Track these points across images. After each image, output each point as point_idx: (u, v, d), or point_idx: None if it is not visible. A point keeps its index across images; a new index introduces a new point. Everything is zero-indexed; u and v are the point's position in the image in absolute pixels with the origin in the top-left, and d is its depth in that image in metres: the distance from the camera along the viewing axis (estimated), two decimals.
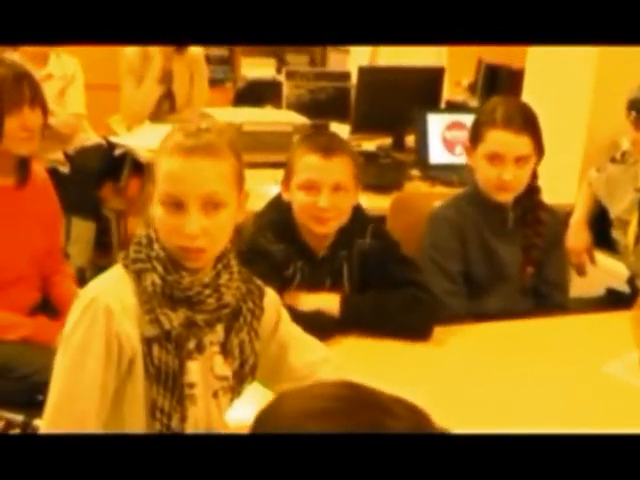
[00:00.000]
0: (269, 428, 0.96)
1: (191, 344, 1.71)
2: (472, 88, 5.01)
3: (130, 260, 1.70)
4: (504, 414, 2.02)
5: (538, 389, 2.14)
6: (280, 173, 2.40)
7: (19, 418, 2.29)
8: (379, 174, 3.66)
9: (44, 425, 1.66)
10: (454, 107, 4.68)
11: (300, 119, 4.26)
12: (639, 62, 3.50)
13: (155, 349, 1.66)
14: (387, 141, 4.48)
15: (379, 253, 2.39)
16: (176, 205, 1.63)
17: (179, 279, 1.68)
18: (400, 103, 4.31)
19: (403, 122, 4.32)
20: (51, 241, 2.62)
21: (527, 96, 4.05)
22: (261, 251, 2.30)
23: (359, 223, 2.41)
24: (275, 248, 2.32)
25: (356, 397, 0.98)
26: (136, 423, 1.69)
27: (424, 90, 4.56)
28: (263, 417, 0.98)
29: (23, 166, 2.51)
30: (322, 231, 2.32)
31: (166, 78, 4.58)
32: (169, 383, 1.68)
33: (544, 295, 2.66)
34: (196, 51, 4.71)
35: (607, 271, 3.19)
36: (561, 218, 2.77)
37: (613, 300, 3.03)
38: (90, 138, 4.36)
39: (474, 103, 4.97)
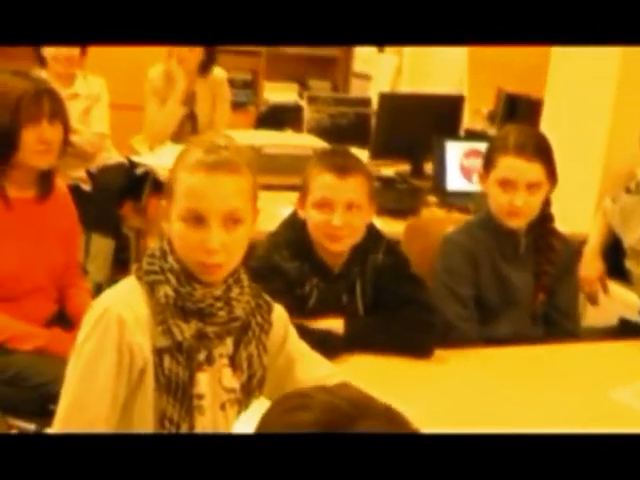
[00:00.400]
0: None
1: (201, 356, 1.74)
2: (492, 117, 5.04)
3: (144, 272, 1.74)
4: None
5: (543, 414, 2.15)
6: (297, 196, 2.44)
7: (31, 427, 2.33)
8: (396, 199, 3.71)
9: (54, 432, 1.70)
10: (473, 135, 4.71)
11: (320, 143, 4.31)
12: None
13: (166, 360, 1.70)
14: (406, 167, 4.51)
15: (390, 269, 2.43)
16: (197, 220, 1.67)
17: (191, 291, 1.71)
18: (420, 130, 4.34)
19: (422, 149, 4.35)
20: (69, 255, 2.67)
21: (545, 125, 4.08)
22: (276, 268, 2.34)
23: (373, 240, 2.45)
24: (290, 265, 2.36)
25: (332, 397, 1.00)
26: (145, 431, 1.72)
27: (444, 118, 4.59)
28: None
29: (45, 180, 2.56)
30: (336, 249, 2.35)
31: (189, 100, 4.64)
32: (179, 394, 1.72)
33: (554, 322, 2.67)
34: (219, 73, 4.77)
35: (620, 301, 3.20)
36: (574, 246, 2.79)
37: (626, 330, 3.03)
38: (113, 157, 4.42)
39: (493, 132, 5.00)
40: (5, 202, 2.49)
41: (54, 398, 1.72)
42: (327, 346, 2.18)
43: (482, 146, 3.96)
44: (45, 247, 2.57)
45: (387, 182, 3.90)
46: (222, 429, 1.79)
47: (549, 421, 2.11)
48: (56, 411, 1.69)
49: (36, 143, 2.44)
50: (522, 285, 2.62)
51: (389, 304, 2.40)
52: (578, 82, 3.85)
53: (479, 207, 2.91)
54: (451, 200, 3.91)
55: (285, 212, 2.78)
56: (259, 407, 1.82)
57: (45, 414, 2.12)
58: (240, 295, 1.78)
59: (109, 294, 1.75)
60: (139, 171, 4.30)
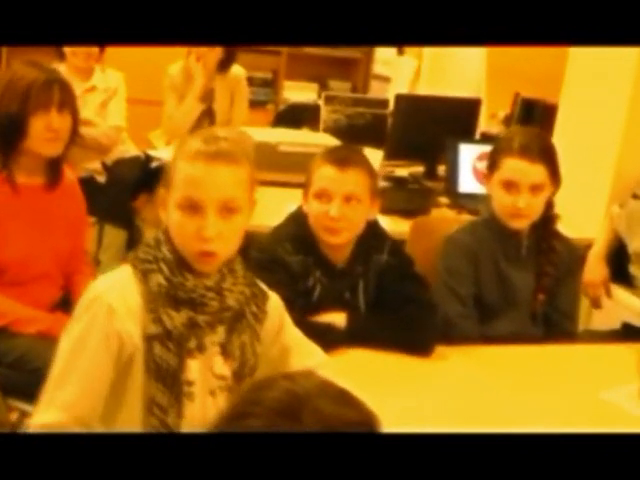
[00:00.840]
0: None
1: (192, 343, 1.77)
2: (508, 121, 5.05)
3: (138, 260, 1.78)
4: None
5: (534, 412, 2.18)
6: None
7: (31, 409, 2.37)
8: (406, 199, 3.73)
9: (38, 407, 1.73)
10: (488, 138, 4.72)
11: (335, 142, 4.33)
12: None
13: (156, 347, 1.73)
14: (420, 169, 4.53)
15: (394, 269, 2.45)
16: (194, 208, 1.70)
17: (184, 281, 1.75)
18: (435, 132, 4.35)
19: (437, 151, 4.37)
20: (75, 242, 2.71)
21: (559, 130, 4.09)
22: (279, 261, 2.37)
23: (377, 239, 2.47)
24: (293, 259, 2.39)
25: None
26: (134, 417, 1.76)
27: (459, 120, 4.61)
28: None
29: (53, 168, 2.60)
30: (333, 241, 2.37)
31: (207, 96, 4.67)
32: (168, 380, 1.75)
33: (554, 323, 2.69)
34: (238, 71, 4.80)
35: (624, 306, 3.20)
36: (576, 248, 2.80)
37: (628, 334, 3.04)
38: (129, 150, 4.47)
39: None
40: (13, 188, 2.53)
41: None
42: (328, 339, 2.21)
43: None
44: (51, 234, 2.61)
45: (399, 182, 3.91)
46: (211, 415, 1.81)
47: (539, 419, 2.13)
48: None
49: (44, 131, 2.48)
50: (523, 285, 2.64)
51: (391, 303, 2.43)
52: (593, 87, 3.85)
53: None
54: (462, 202, 3.92)
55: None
56: None
57: None
58: (234, 285, 1.81)
59: (103, 280, 1.79)
60: (154, 165, 4.33)
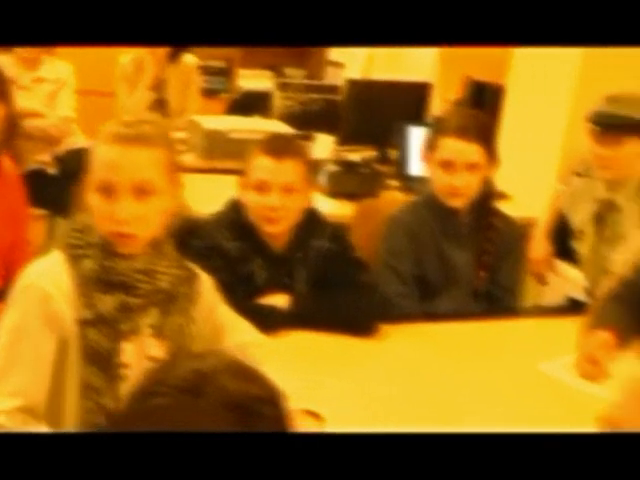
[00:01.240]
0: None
1: (125, 326, 1.79)
2: (459, 104, 5.08)
3: (68, 246, 1.79)
4: (444, 411, 2.09)
5: (477, 387, 2.22)
6: None
7: None
8: (356, 183, 3.76)
9: None
10: None
11: (285, 129, 4.35)
12: (619, 80, 3.56)
13: (90, 331, 1.75)
14: (373, 153, 4.55)
15: (334, 255, 2.48)
16: (109, 191, 1.72)
17: (114, 265, 1.77)
18: (387, 116, 4.38)
19: (389, 135, 4.39)
20: (16, 233, 2.71)
21: (508, 112, 4.13)
22: (217, 247, 2.39)
23: (316, 225, 2.49)
24: (231, 245, 2.40)
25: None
26: (72, 401, 1.77)
27: (410, 104, 4.63)
28: None
29: None
30: (272, 230, 2.40)
31: (159, 86, 4.67)
32: (102, 363, 1.77)
33: (496, 299, 2.73)
34: (190, 60, 4.80)
35: (568, 280, 3.25)
36: (517, 226, 2.84)
37: (572, 308, 3.09)
38: (79, 142, 4.45)
39: None
40: None
41: None
42: (269, 320, 2.25)
43: None
44: None
45: (349, 166, 3.93)
46: None
47: (480, 393, 2.17)
48: None
49: None
50: (463, 263, 2.68)
51: (332, 286, 2.45)
52: (540, 68, 3.89)
53: None
54: (413, 185, 3.95)
55: None
56: None
57: None
58: (165, 267, 1.83)
59: (35, 267, 1.80)
60: None
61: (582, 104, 3.73)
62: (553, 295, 3.33)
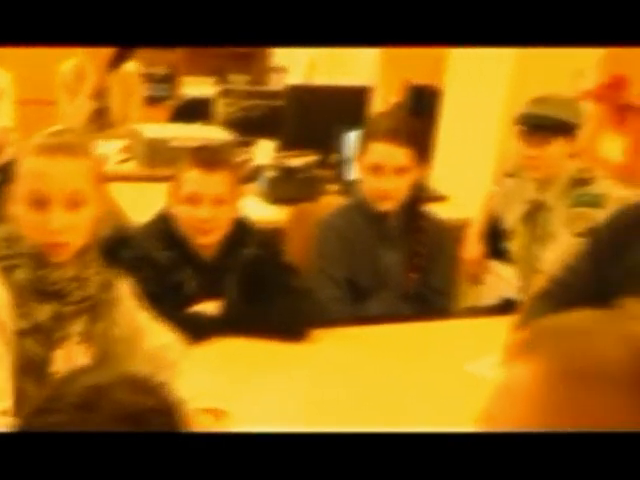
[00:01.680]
0: None
1: (58, 335, 1.81)
2: (399, 108, 5.13)
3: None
4: (375, 413, 2.13)
5: (408, 389, 2.25)
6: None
7: None
8: (295, 188, 3.79)
9: None
10: None
11: (226, 136, 4.36)
12: (551, 82, 3.62)
13: (26, 341, 1.77)
14: (315, 158, 4.57)
15: (264, 261, 2.50)
16: (40, 202, 1.74)
17: (47, 274, 1.79)
18: (328, 121, 4.41)
19: (330, 139, 4.42)
20: None
21: (446, 115, 4.18)
22: (147, 257, 2.41)
23: (246, 233, 2.52)
24: (161, 255, 2.42)
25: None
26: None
27: (351, 108, 4.67)
28: None
29: None
30: (204, 242, 2.43)
31: (100, 94, 4.66)
32: (37, 372, 1.79)
33: (427, 300, 2.77)
34: (131, 68, 4.80)
35: (503, 280, 3.30)
36: (447, 228, 2.88)
37: (506, 308, 3.13)
38: None
39: None
40: None
41: None
42: (199, 327, 2.27)
43: None
44: None
45: (288, 172, 3.96)
46: None
47: (408, 394, 2.21)
48: None
49: None
50: (395, 265, 2.71)
51: (263, 293, 2.47)
52: (475, 70, 3.95)
53: None
54: (352, 189, 3.98)
55: None
56: None
57: None
58: (93, 274, 1.86)
59: None
60: None
61: (515, 105, 3.82)
62: (489, 295, 3.38)
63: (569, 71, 3.68)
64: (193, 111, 5.59)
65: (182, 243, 2.44)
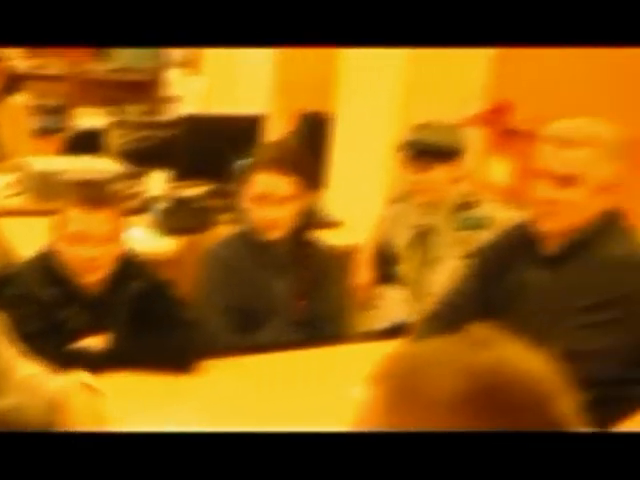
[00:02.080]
0: None
1: None
2: (294, 136, 5.17)
3: None
4: None
5: (291, 415, 2.24)
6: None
7: None
8: (187, 219, 3.77)
9: None
10: None
11: (118, 167, 4.32)
12: (440, 108, 3.68)
13: None
14: (209, 188, 4.56)
15: (151, 295, 2.49)
16: None
17: None
18: (222, 150, 4.41)
19: (224, 169, 4.41)
20: None
21: (339, 140, 4.22)
22: (30, 295, 2.36)
23: (132, 267, 2.50)
24: (44, 292, 2.38)
25: None
26: None
27: (245, 137, 4.67)
28: None
29: None
30: (90, 279, 2.41)
31: None
32: None
33: (317, 327, 2.77)
34: (18, 100, 4.73)
35: (395, 305, 3.34)
36: (333, 254, 2.91)
37: (398, 331, 3.17)
38: None
39: None
40: None
41: None
42: (84, 362, 2.22)
43: None
44: None
45: (180, 202, 3.94)
46: None
47: (294, 421, 2.20)
48: None
49: None
50: (282, 293, 2.72)
51: (150, 325, 2.45)
52: (364, 94, 4.00)
53: None
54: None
55: None
56: None
57: None
58: None
59: None
60: None
61: (403, 131, 3.88)
62: (382, 320, 3.40)
63: (456, 97, 3.76)
64: (85, 143, 5.52)
65: (67, 280, 2.40)
